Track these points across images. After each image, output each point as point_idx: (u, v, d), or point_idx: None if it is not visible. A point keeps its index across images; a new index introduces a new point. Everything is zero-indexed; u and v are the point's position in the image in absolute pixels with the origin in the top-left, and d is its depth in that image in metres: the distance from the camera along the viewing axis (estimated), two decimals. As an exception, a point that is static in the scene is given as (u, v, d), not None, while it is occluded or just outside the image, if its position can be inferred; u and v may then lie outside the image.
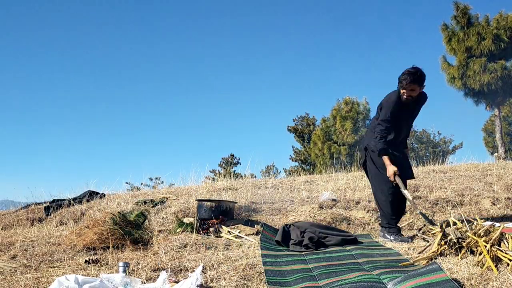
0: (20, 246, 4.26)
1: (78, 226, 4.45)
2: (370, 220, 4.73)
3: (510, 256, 2.82)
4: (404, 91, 3.88)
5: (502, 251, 2.89)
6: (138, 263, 3.33)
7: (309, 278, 2.90)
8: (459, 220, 3.44)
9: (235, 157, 34.45)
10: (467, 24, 14.95)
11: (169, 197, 5.94)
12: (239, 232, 4.31)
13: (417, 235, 4.02)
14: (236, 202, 5.17)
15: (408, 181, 6.25)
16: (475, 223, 3.39)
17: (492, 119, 19.29)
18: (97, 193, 6.60)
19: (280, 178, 10.43)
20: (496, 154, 14.89)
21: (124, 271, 2.99)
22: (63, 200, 6.23)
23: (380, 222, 4.25)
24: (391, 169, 3.94)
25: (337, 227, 4.44)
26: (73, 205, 6.01)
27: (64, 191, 6.97)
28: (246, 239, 4.15)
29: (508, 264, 2.78)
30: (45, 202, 6.62)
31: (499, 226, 3.20)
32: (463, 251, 3.09)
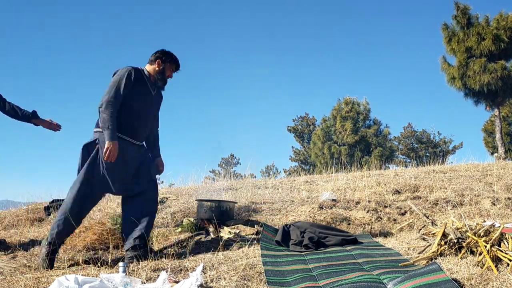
0: (20, 246, 4.27)
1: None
2: (370, 220, 4.74)
3: (510, 256, 2.82)
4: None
5: (502, 251, 2.90)
6: (138, 263, 3.33)
7: (309, 278, 2.90)
8: (459, 220, 3.44)
9: (235, 157, 34.51)
10: (467, 24, 14.96)
11: (169, 197, 5.95)
12: (239, 232, 4.31)
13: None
14: (236, 202, 5.17)
15: (408, 181, 6.28)
16: (475, 223, 3.39)
17: (492, 120, 19.29)
18: (97, 193, 6.60)
19: (280, 178, 10.44)
20: (496, 154, 14.89)
21: (124, 271, 2.99)
22: (63, 200, 6.22)
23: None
24: None
25: (337, 227, 4.44)
26: (73, 205, 6.00)
27: (64, 191, 6.95)
28: (246, 239, 4.15)
29: (508, 264, 2.78)
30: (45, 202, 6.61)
31: (499, 226, 3.20)
32: (463, 251, 3.09)
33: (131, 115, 3.61)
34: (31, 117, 4.33)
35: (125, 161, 3.59)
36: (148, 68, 3.78)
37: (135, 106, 3.62)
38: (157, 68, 3.76)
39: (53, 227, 3.57)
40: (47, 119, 4.42)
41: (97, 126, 3.64)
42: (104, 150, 3.45)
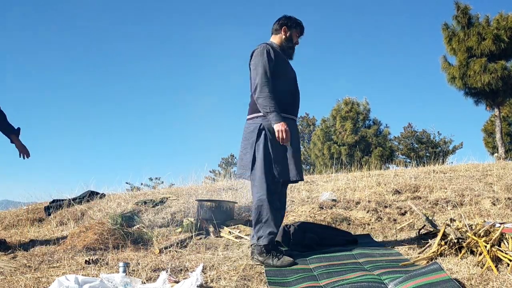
0: (20, 246, 4.27)
1: (78, 226, 4.45)
2: (370, 220, 4.73)
3: (510, 256, 2.82)
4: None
5: (502, 252, 2.89)
6: (138, 263, 3.33)
7: (310, 278, 2.90)
8: (459, 220, 3.44)
9: (235, 157, 34.48)
10: (467, 24, 14.96)
11: (169, 197, 5.94)
12: (239, 232, 4.31)
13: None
14: (236, 202, 5.17)
15: (409, 181, 6.28)
16: (475, 223, 3.39)
17: (492, 120, 19.29)
18: (97, 193, 6.60)
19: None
20: (496, 154, 14.89)
21: (124, 271, 2.99)
22: (63, 200, 6.23)
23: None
24: None
25: (337, 227, 4.44)
26: (73, 205, 6.01)
27: (64, 191, 6.96)
28: (246, 239, 4.15)
29: (508, 265, 2.78)
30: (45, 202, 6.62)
31: (499, 226, 3.20)
32: (463, 251, 3.09)
33: (282, 90, 3.42)
34: (13, 132, 4.24)
35: (295, 139, 3.44)
36: (274, 39, 3.59)
37: (281, 81, 3.43)
38: (283, 36, 3.56)
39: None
40: (24, 144, 4.31)
41: (252, 112, 3.45)
42: (277, 134, 3.26)
